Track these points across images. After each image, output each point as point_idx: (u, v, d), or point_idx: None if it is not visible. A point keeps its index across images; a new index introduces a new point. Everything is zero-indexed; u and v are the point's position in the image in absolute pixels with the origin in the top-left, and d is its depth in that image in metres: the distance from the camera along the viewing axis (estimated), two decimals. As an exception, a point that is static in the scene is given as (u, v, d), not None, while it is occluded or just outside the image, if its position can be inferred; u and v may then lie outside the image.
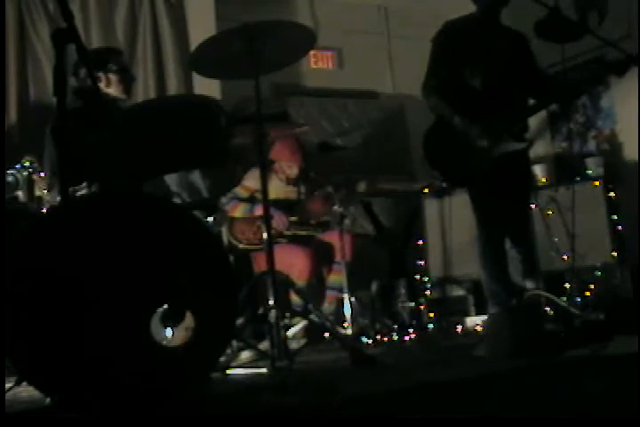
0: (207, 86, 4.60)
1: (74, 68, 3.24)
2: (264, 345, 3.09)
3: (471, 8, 3.50)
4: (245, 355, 3.08)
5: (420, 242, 5.08)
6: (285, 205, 4.49)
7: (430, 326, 4.50)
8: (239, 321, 3.06)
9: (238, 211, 4.43)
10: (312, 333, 3.89)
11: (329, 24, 5.97)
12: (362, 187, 4.83)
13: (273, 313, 2.68)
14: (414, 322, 4.49)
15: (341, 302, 4.15)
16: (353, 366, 2.71)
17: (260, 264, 4.38)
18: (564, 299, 3.82)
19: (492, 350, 2.65)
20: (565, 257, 4.35)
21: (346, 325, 4.02)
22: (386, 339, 4.09)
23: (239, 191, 4.47)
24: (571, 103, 5.22)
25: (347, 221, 4.42)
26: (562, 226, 4.15)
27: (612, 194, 4.56)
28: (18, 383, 2.22)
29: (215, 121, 2.59)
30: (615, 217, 4.52)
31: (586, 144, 5.40)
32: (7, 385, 2.20)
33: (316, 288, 4.51)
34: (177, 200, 3.37)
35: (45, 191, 3.21)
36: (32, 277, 1.79)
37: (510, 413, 1.54)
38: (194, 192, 3.49)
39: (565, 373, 2.14)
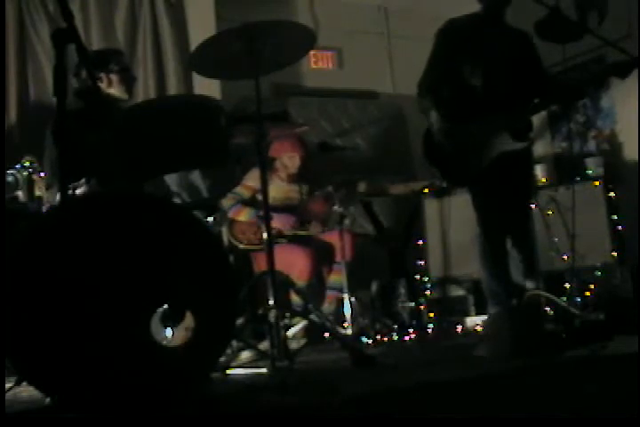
0: (207, 86, 4.61)
1: (75, 69, 3.24)
2: (264, 345, 3.09)
3: (471, 8, 3.50)
4: (245, 355, 3.08)
5: (420, 242, 5.08)
6: (289, 209, 4.50)
7: (430, 325, 4.50)
8: (239, 321, 3.06)
9: (243, 215, 4.43)
10: (312, 333, 3.89)
11: (329, 24, 5.97)
12: (362, 187, 4.83)
13: (273, 313, 2.68)
14: (414, 322, 4.49)
15: (341, 302, 4.15)
16: (353, 366, 2.71)
17: (260, 264, 4.38)
18: (564, 299, 3.82)
19: (492, 350, 2.65)
20: (565, 257, 4.35)
21: (346, 325, 4.02)
22: (386, 339, 4.10)
23: (241, 191, 4.47)
24: (571, 104, 5.21)
25: (347, 221, 4.42)
26: (562, 226, 4.15)
27: (612, 194, 4.56)
28: (18, 383, 2.22)
29: (215, 121, 2.59)
30: (615, 217, 4.52)
31: (586, 144, 5.41)
32: (7, 385, 2.20)
33: (316, 288, 4.51)
34: (177, 200, 3.37)
35: (45, 191, 3.21)
36: (32, 277, 1.79)
37: (510, 413, 1.54)
38: (194, 192, 3.49)
39: (565, 373, 2.14)
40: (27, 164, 3.26)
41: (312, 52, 5.83)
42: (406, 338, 4.11)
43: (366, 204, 5.09)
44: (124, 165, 2.49)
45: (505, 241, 3.43)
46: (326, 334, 3.87)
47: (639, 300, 4.12)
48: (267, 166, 3.03)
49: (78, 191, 2.91)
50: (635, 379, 1.78)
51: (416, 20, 6.14)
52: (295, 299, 4.22)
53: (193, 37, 5.11)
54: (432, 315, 4.74)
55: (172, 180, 3.41)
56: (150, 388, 1.87)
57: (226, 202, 4.43)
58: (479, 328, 4.26)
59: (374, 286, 4.77)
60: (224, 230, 4.35)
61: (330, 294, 4.45)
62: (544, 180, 4.92)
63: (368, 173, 5.42)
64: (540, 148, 5.37)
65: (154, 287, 1.95)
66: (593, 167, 4.83)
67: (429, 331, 4.39)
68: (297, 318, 3.90)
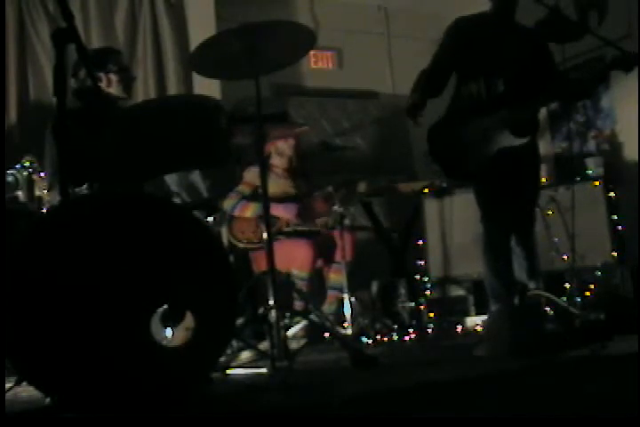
0: (207, 86, 4.61)
1: (73, 70, 3.23)
2: (264, 345, 3.09)
3: (471, 8, 3.50)
4: (245, 355, 3.08)
5: (420, 242, 5.07)
6: (289, 200, 4.51)
7: (430, 325, 4.50)
8: (239, 321, 3.06)
9: (250, 211, 4.43)
10: (312, 333, 3.89)
11: (329, 24, 5.97)
12: (362, 187, 4.83)
13: (273, 313, 2.69)
14: (414, 322, 4.49)
15: (341, 302, 4.16)
16: (353, 366, 2.71)
17: (259, 264, 4.38)
18: (564, 299, 3.82)
19: (492, 350, 2.65)
20: (565, 257, 4.35)
21: (346, 325, 4.02)
22: (386, 339, 4.10)
23: (242, 189, 4.48)
24: (575, 102, 5.21)
25: (347, 221, 4.43)
26: (562, 226, 4.15)
27: (612, 194, 4.56)
28: (18, 383, 2.22)
29: (215, 121, 2.59)
30: (615, 217, 4.52)
31: (586, 144, 5.40)
32: (7, 385, 2.20)
33: (316, 288, 4.51)
34: (177, 200, 3.37)
35: (45, 191, 3.21)
36: (32, 277, 1.79)
37: (510, 413, 1.54)
38: (194, 192, 3.49)
39: (565, 373, 2.14)
40: (27, 164, 3.27)
41: (312, 52, 5.83)
42: (406, 338, 4.11)
43: (366, 204, 5.09)
44: (124, 165, 2.49)
45: (508, 238, 3.43)
46: (326, 334, 3.88)
47: (639, 300, 4.12)
48: (265, 167, 3.02)
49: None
50: (635, 379, 1.78)
51: (416, 20, 6.15)
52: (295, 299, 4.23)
53: (193, 37, 5.11)
54: (432, 315, 4.73)
55: (172, 180, 3.41)
56: (150, 388, 1.87)
57: (228, 201, 4.44)
58: (479, 328, 4.26)
59: (374, 286, 4.77)
60: (224, 230, 4.35)
61: (330, 293, 4.45)
62: (544, 180, 4.91)
63: (368, 173, 5.42)
64: (540, 148, 5.36)
65: (154, 287, 1.95)
66: (593, 167, 4.82)
67: (429, 331, 4.39)
68: (297, 318, 3.90)
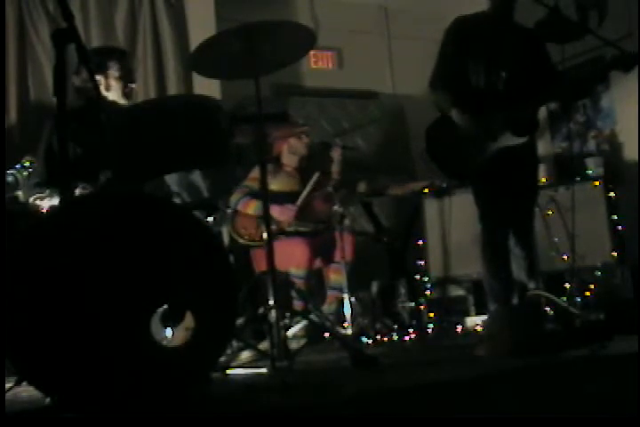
0: (207, 86, 4.61)
1: (77, 67, 3.23)
2: (264, 345, 3.09)
3: (472, 8, 3.51)
4: (245, 355, 3.08)
5: (420, 242, 5.08)
6: (292, 198, 4.50)
7: (430, 325, 4.50)
8: (239, 321, 3.06)
9: (250, 208, 4.43)
10: (312, 333, 3.89)
11: (329, 24, 5.97)
12: (362, 187, 4.83)
13: (273, 313, 2.69)
14: (414, 322, 4.49)
15: (341, 302, 4.16)
16: (353, 366, 2.71)
17: (259, 263, 4.38)
18: (564, 299, 3.82)
19: (492, 350, 2.65)
20: (565, 257, 4.35)
21: (346, 325, 4.02)
22: (386, 339, 4.10)
23: (249, 184, 4.45)
24: (574, 102, 5.21)
25: (347, 221, 4.42)
26: (562, 226, 4.15)
27: (612, 194, 4.56)
28: (18, 383, 2.22)
29: (215, 121, 2.59)
30: (615, 217, 4.52)
31: (586, 144, 5.40)
32: (7, 385, 2.20)
33: (316, 288, 4.51)
34: (177, 200, 3.37)
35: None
36: (32, 277, 1.79)
37: (510, 413, 1.54)
38: (194, 192, 3.49)
39: (565, 373, 2.14)
40: (27, 164, 3.26)
41: (312, 52, 5.83)
42: (406, 338, 4.11)
43: (366, 204, 5.09)
44: (125, 165, 2.49)
45: (507, 238, 3.43)
46: (326, 334, 3.87)
47: (639, 300, 4.13)
48: (266, 166, 3.02)
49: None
50: (635, 379, 1.78)
51: (416, 20, 6.14)
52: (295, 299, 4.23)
53: (193, 37, 5.11)
54: (432, 315, 4.73)
55: (172, 180, 3.41)
56: (150, 388, 1.87)
57: (235, 196, 4.43)
58: (479, 328, 4.26)
59: (374, 286, 4.77)
60: (225, 228, 4.35)
61: (330, 294, 4.45)
62: (544, 180, 4.91)
63: (368, 173, 5.42)
64: (540, 148, 5.35)
65: (154, 287, 1.95)
66: (593, 167, 4.82)
67: (429, 331, 4.39)
68: (297, 318, 3.90)
